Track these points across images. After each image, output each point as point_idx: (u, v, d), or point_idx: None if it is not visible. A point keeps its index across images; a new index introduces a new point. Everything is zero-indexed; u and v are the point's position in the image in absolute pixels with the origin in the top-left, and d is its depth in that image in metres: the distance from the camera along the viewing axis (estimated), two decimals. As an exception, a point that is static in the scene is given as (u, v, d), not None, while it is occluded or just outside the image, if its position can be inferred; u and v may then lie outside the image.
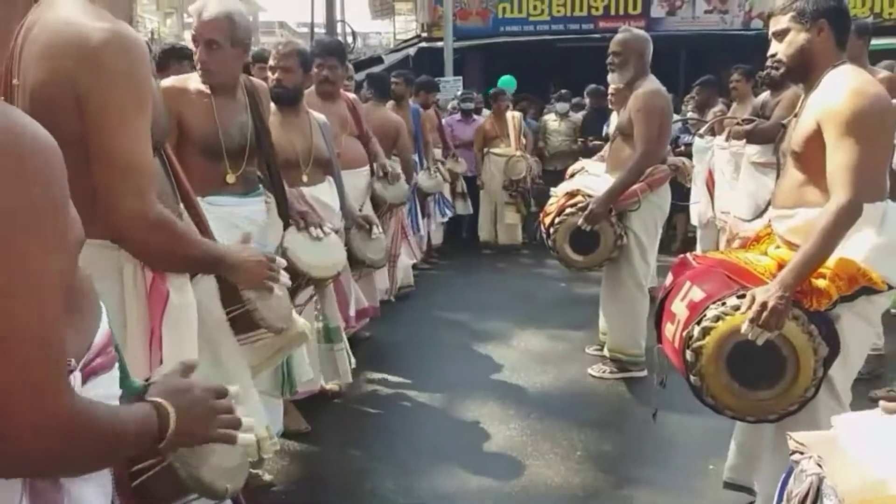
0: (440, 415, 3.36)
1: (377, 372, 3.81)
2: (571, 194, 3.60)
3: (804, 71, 2.05)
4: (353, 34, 16.76)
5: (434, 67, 9.68)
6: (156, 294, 1.54)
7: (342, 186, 3.37)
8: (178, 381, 1.04)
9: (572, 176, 4.71)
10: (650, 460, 2.89)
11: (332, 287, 3.31)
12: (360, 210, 3.90)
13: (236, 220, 2.33)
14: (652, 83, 3.47)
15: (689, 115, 6.98)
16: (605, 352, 3.82)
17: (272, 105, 3.08)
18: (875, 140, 1.89)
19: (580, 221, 3.42)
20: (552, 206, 3.67)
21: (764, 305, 1.78)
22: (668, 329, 2.13)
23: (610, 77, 3.60)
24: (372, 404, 3.47)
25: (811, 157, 1.98)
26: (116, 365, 0.99)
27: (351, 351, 3.95)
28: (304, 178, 3.13)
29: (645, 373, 3.65)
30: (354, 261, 3.44)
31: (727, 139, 5.41)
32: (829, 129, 1.89)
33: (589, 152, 6.89)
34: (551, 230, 3.56)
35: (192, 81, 2.46)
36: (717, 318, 1.88)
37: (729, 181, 5.52)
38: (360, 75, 9.24)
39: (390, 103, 5.52)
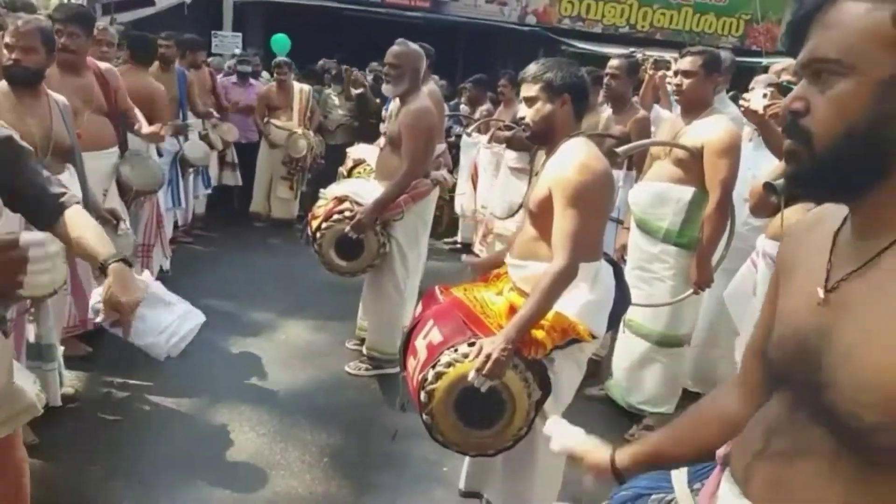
0: (187, 421, 3.25)
1: (118, 373, 3.54)
2: (340, 199, 3.62)
3: (547, 137, 2.27)
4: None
5: (212, 20, 9.06)
6: None
7: (84, 176, 3.06)
8: None
9: (353, 168, 4.76)
10: (391, 464, 3.05)
11: (70, 287, 3.04)
12: (105, 195, 3.60)
13: None
14: (423, 100, 3.59)
15: (462, 107, 7.33)
16: (364, 349, 3.95)
17: (4, 84, 2.73)
18: (594, 211, 2.15)
19: (347, 230, 3.48)
20: (320, 208, 3.68)
21: (489, 357, 1.97)
22: (411, 363, 2.27)
23: (384, 88, 3.66)
24: (110, 410, 3.25)
25: (543, 217, 2.21)
26: None
27: (90, 346, 3.69)
28: (41, 169, 2.80)
29: (398, 369, 3.85)
30: (98, 258, 3.17)
31: (490, 141, 5.80)
32: (557, 198, 2.12)
33: (364, 130, 6.98)
34: (318, 234, 3.58)
35: None
36: (449, 364, 2.04)
37: (490, 179, 5.93)
38: (128, 16, 8.40)
39: (154, 67, 5.09)
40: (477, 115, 6.70)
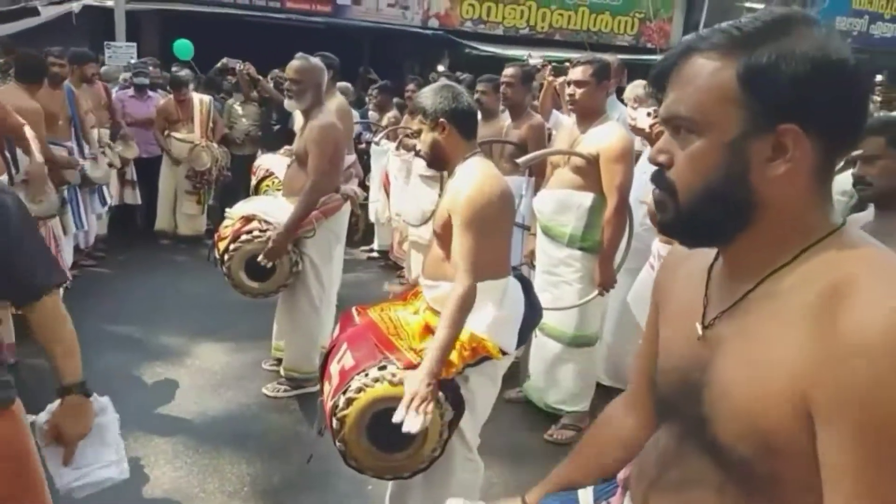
0: (98, 459, 3.13)
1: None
2: (247, 219, 3.56)
3: (441, 162, 2.30)
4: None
5: (103, 30, 8.67)
6: None
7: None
8: None
9: (262, 180, 4.68)
10: (315, 487, 3.03)
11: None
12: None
13: None
14: (327, 115, 3.58)
15: (371, 113, 7.31)
16: (281, 370, 3.90)
17: None
18: (491, 231, 2.17)
19: (260, 258, 3.43)
20: (227, 229, 3.60)
21: (415, 394, 1.97)
22: (326, 388, 2.27)
23: (287, 103, 3.64)
24: (14, 456, 3.09)
25: (447, 239, 2.25)
26: None
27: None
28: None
29: (318, 387, 3.82)
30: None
31: (398, 148, 5.82)
32: (455, 220, 2.16)
33: (271, 140, 6.84)
34: (226, 256, 3.51)
35: None
36: (360, 390, 2.05)
37: (401, 186, 5.94)
38: (11, 27, 7.94)
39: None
40: (385, 122, 6.71)
